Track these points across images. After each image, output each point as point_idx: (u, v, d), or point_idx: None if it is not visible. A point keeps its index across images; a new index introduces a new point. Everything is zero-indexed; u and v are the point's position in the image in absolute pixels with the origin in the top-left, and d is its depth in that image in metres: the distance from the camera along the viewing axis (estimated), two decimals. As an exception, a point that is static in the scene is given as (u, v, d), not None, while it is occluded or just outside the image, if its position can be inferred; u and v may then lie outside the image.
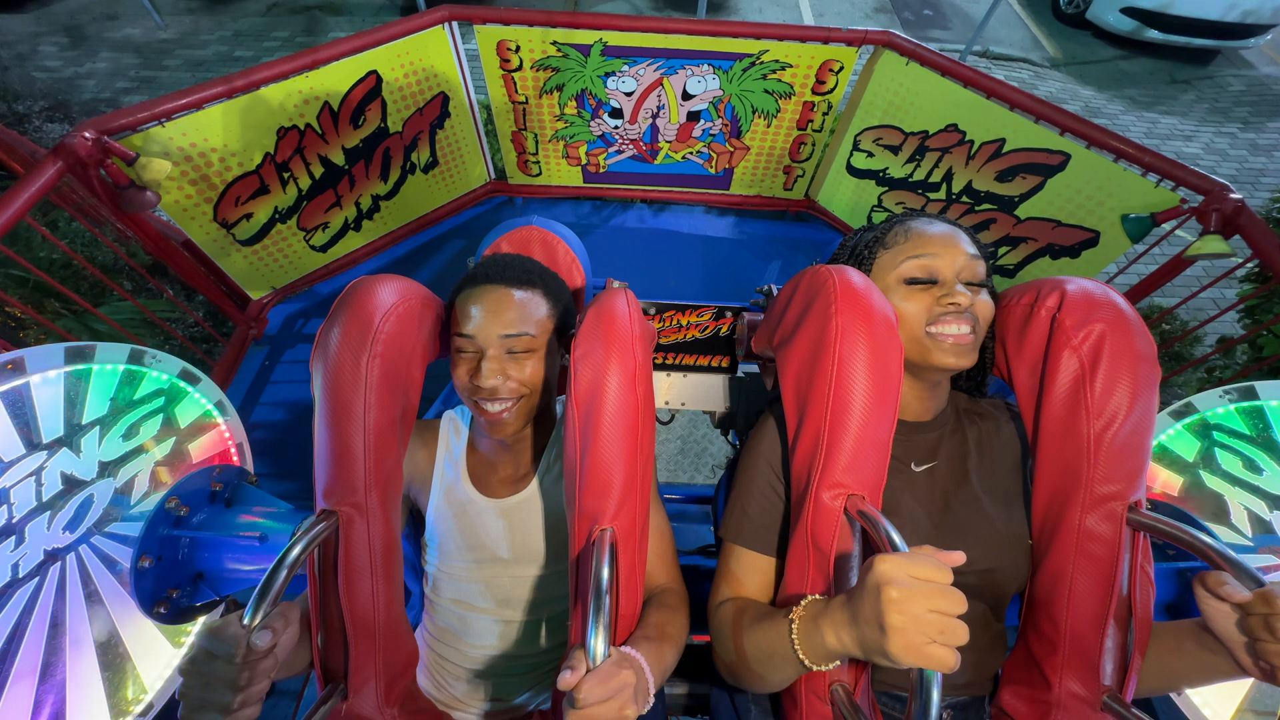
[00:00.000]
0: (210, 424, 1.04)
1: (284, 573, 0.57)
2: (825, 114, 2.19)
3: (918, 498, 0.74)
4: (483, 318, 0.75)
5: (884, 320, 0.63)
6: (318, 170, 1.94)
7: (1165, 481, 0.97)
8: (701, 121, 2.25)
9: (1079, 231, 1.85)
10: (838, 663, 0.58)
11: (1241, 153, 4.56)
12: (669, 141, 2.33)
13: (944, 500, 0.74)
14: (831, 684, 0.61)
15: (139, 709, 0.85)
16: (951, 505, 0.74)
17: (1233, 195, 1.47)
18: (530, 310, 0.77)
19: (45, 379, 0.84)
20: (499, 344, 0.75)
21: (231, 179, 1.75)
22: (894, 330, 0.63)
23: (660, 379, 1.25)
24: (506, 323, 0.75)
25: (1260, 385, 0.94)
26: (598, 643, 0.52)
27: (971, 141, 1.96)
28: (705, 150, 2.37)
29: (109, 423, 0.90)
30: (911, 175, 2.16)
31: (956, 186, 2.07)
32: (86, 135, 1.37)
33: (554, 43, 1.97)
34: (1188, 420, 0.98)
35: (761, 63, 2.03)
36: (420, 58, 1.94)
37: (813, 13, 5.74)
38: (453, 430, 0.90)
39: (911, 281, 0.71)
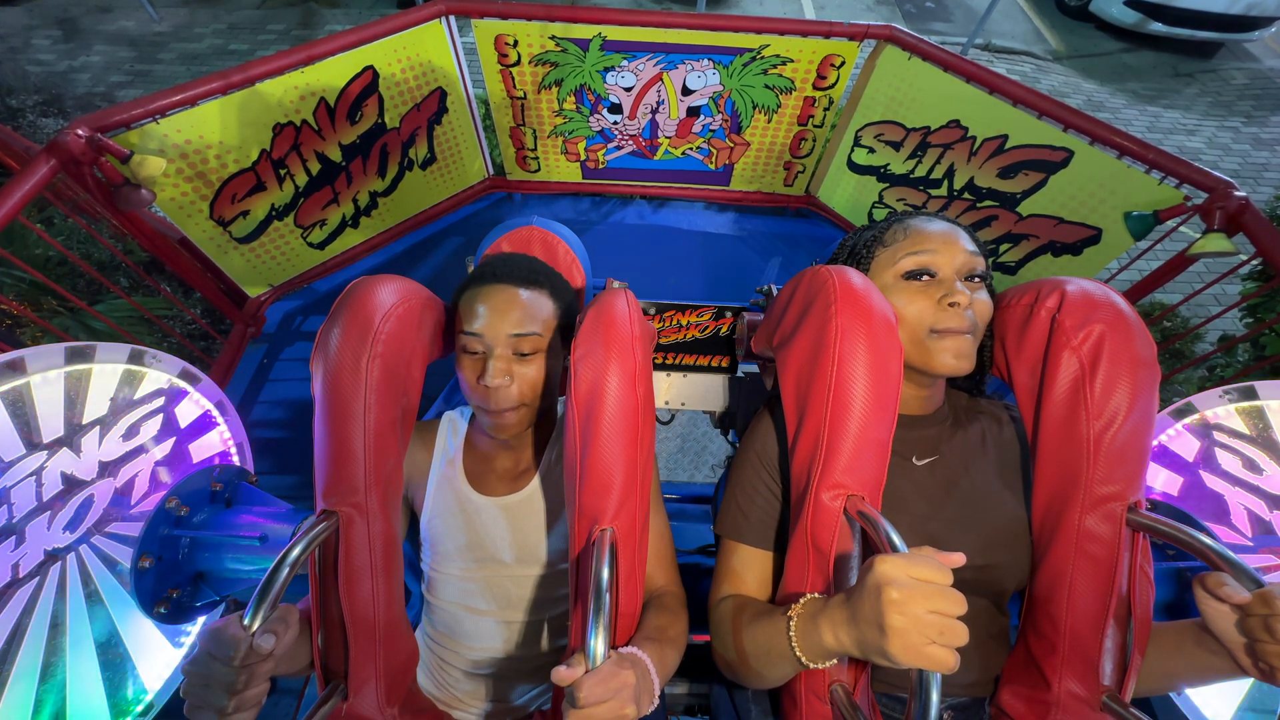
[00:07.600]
0: (210, 424, 1.04)
1: (284, 573, 0.57)
2: (826, 109, 2.18)
3: (920, 491, 0.74)
4: (491, 316, 0.75)
5: (884, 321, 0.63)
6: (314, 167, 1.92)
7: (1165, 481, 0.97)
8: (701, 117, 2.23)
9: (1081, 229, 1.84)
10: (834, 661, 0.58)
11: (1244, 147, 4.55)
12: (669, 137, 2.32)
13: (946, 494, 0.74)
14: (831, 684, 0.61)
15: (139, 709, 0.85)
16: (953, 500, 0.74)
17: (1237, 193, 1.46)
18: (537, 310, 0.78)
19: (45, 379, 0.84)
20: (507, 343, 0.75)
21: (228, 176, 1.74)
22: (894, 331, 0.63)
23: (660, 379, 1.25)
24: (514, 322, 0.75)
25: (1260, 385, 0.93)
26: (598, 642, 0.52)
27: (974, 138, 1.94)
28: (705, 146, 2.35)
29: (109, 423, 0.90)
30: (913, 171, 2.15)
31: (958, 183, 2.06)
32: (79, 133, 1.35)
33: (552, 37, 1.95)
34: (1188, 420, 0.98)
35: (762, 58, 2.01)
36: (417, 53, 1.92)
37: (814, 6, 5.70)
38: (450, 430, 0.90)
39: (910, 276, 0.71)
